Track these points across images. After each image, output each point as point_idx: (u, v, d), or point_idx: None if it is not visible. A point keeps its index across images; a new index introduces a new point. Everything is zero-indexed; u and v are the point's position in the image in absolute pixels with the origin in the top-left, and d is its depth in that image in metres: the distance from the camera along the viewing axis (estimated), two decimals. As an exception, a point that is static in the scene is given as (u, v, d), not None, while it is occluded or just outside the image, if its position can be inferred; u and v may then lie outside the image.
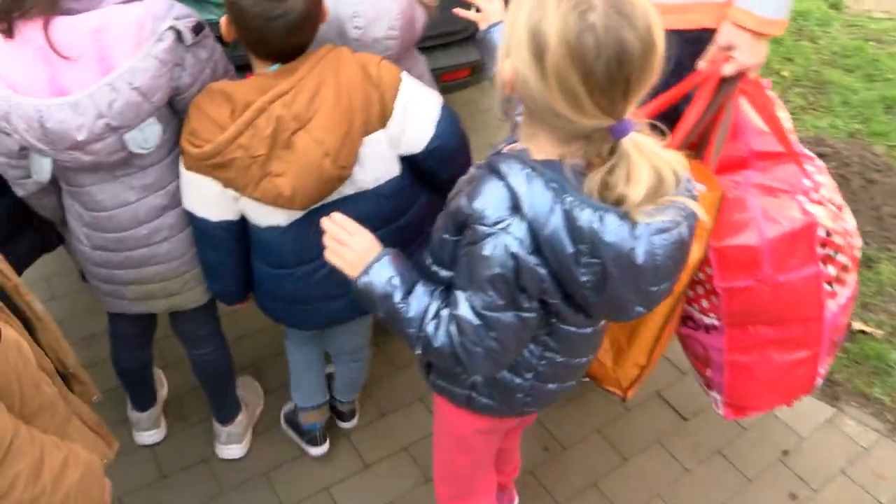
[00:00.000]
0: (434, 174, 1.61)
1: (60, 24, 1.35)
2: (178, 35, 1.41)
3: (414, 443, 2.17)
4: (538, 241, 1.03)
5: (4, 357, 0.98)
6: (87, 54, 1.36)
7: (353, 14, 1.62)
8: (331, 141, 1.40)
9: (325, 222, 1.29)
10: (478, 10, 1.59)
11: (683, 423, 2.26)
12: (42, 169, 1.49)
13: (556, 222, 1.01)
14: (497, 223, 1.04)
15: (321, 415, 2.10)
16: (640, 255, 1.02)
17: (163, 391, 2.24)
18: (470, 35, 2.47)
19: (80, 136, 1.38)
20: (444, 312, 1.16)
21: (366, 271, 1.22)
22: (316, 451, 2.12)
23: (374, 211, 1.55)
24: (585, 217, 1.00)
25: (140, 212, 1.56)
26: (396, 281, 1.20)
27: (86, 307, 2.47)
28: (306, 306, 1.70)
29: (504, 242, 1.03)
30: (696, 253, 1.50)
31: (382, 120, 1.48)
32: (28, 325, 1.21)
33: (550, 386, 1.32)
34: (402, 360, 2.41)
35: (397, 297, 1.19)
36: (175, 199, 1.57)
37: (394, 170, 1.57)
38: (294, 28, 1.38)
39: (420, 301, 1.18)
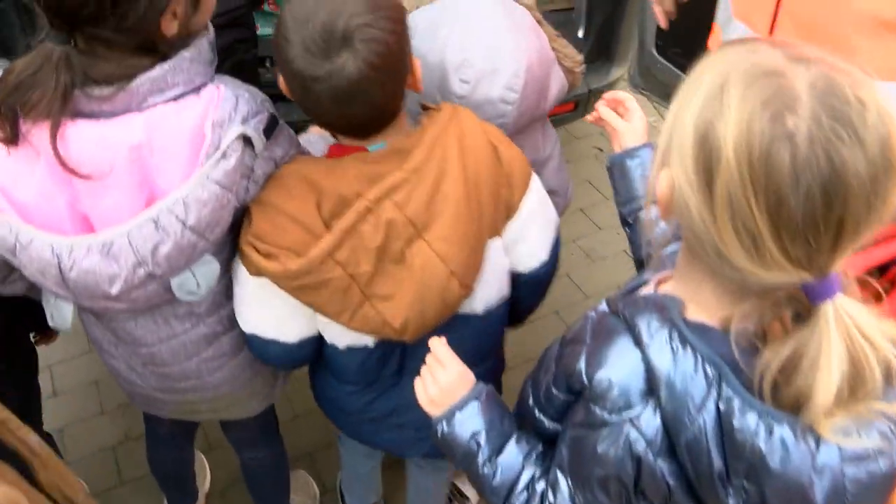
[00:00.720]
0: (513, 305, 1.29)
1: (79, 131, 0.99)
2: (247, 141, 1.04)
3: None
4: (672, 442, 0.77)
5: None
6: (119, 173, 1.00)
7: (462, 62, 1.25)
8: (458, 255, 1.08)
9: (433, 342, 1.06)
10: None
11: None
12: (61, 315, 1.16)
13: (703, 424, 0.74)
14: (622, 410, 0.78)
15: None
16: (818, 493, 0.72)
17: (205, 484, 1.98)
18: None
19: (114, 290, 1.05)
20: (540, 487, 0.93)
21: (447, 418, 1.01)
22: None
23: (473, 343, 1.21)
24: (748, 425, 0.72)
25: (188, 344, 1.23)
26: (482, 438, 0.99)
27: (123, 367, 2.19)
28: (374, 426, 1.40)
29: (627, 438, 0.79)
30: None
31: (505, 223, 1.16)
32: (25, 463, 0.98)
33: None
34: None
35: (481, 458, 0.98)
36: (231, 322, 1.23)
37: (505, 290, 1.24)
38: (341, 97, 1.00)
39: (510, 465, 0.97)
